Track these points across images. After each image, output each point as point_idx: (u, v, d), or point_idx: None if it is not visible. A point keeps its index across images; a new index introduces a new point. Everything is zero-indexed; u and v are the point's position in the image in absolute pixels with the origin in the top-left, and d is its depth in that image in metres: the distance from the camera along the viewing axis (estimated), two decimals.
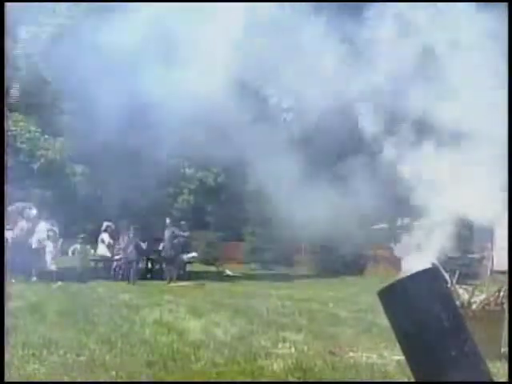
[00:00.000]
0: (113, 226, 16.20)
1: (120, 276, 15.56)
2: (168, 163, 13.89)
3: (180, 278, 15.43)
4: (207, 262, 18.95)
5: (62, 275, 14.18)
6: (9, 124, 14.96)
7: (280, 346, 6.87)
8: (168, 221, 15.68)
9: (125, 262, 15.68)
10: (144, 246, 15.91)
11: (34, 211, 14.80)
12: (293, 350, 6.66)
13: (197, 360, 5.99)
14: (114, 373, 5.46)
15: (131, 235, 15.56)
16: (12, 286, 12.13)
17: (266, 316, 9.31)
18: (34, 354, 5.96)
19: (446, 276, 5.50)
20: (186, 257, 16.58)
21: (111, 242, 16.15)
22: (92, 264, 16.09)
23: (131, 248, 15.51)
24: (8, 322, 7.75)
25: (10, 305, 9.54)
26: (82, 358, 5.98)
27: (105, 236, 16.15)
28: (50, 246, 14.76)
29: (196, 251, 17.60)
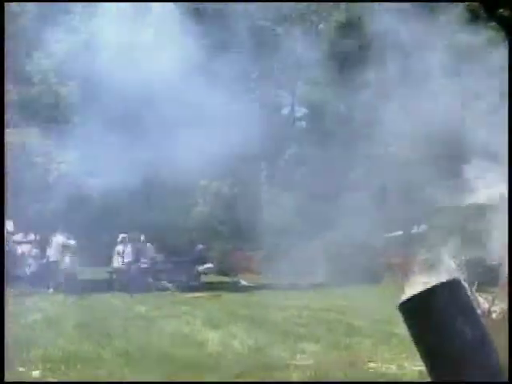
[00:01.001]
0: (128, 238, 16.20)
1: (135, 288, 15.56)
2: (183, 174, 13.91)
3: (195, 289, 15.41)
4: (222, 273, 18.89)
5: (79, 287, 14.21)
6: (24, 137, 15.10)
7: (298, 357, 6.83)
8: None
9: (140, 273, 15.70)
10: (159, 257, 15.94)
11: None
12: (311, 361, 6.62)
13: (215, 371, 5.97)
14: None
15: (146, 247, 15.57)
16: (29, 299, 12.23)
17: (282, 326, 9.25)
18: (51, 369, 5.97)
19: (466, 286, 5.44)
20: (201, 268, 16.57)
21: (126, 253, 16.16)
22: (107, 276, 16.10)
23: (146, 259, 15.53)
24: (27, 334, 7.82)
25: (27, 317, 9.64)
26: (100, 372, 5.97)
27: (120, 248, 16.16)
28: (66, 259, 14.82)
29: (211, 262, 17.57)
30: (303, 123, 17.62)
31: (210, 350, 7.30)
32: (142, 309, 11.91)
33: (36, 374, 5.68)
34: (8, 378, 5.39)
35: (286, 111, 19.12)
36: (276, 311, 11.27)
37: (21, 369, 5.89)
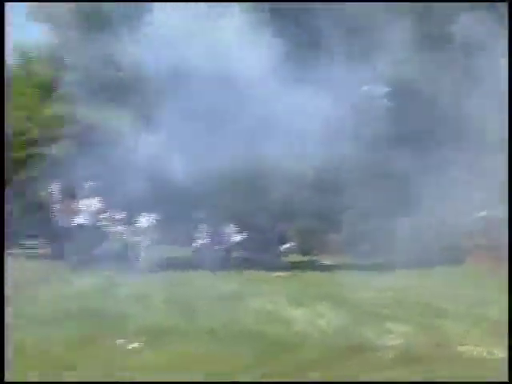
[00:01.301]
0: (211, 217, 16.48)
1: (218, 266, 15.85)
2: (265, 156, 14.04)
3: (277, 268, 15.54)
4: (304, 252, 18.93)
5: (165, 265, 14.61)
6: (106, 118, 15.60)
7: (385, 337, 6.82)
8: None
9: (222, 252, 15.98)
10: (241, 236, 16.14)
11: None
12: (399, 341, 6.60)
13: (304, 349, 6.05)
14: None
15: (228, 226, 15.81)
16: (117, 275, 12.70)
17: (366, 307, 9.23)
18: (146, 342, 6.18)
19: None
20: (282, 247, 16.69)
21: (209, 232, 16.46)
22: (191, 254, 16.45)
23: (229, 238, 15.77)
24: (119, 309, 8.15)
25: (117, 293, 10.03)
26: (189, 347, 6.12)
27: (203, 227, 16.45)
28: (152, 237, 15.26)
29: (292, 241, 17.64)
30: (387, 102, 17.32)
31: (296, 328, 7.38)
32: (225, 287, 12.14)
33: (135, 346, 5.91)
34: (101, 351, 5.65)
35: (369, 90, 18.84)
36: (359, 291, 11.22)
37: (119, 341, 6.14)
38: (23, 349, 5.67)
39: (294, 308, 8.98)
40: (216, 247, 16.31)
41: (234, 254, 16.33)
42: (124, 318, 7.52)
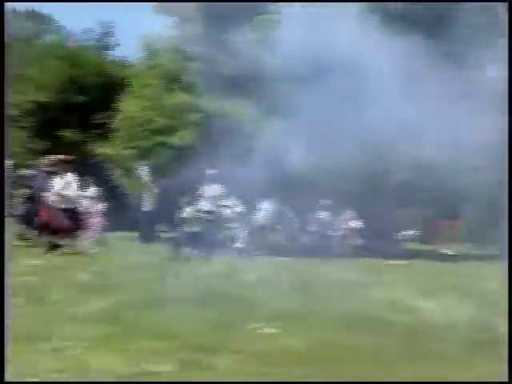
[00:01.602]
0: (329, 204, 16.62)
1: (336, 253, 15.97)
2: (384, 142, 13.94)
3: (396, 256, 15.43)
4: (423, 241, 18.70)
5: (285, 252, 14.89)
6: (228, 108, 16.01)
7: None
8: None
9: (341, 239, 16.09)
10: (359, 223, 16.19)
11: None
12: None
13: (437, 341, 6.03)
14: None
15: (346, 213, 15.89)
16: (241, 261, 13.09)
17: (493, 297, 8.99)
18: (282, 327, 6.30)
19: None
20: (401, 235, 16.58)
21: (327, 220, 16.62)
22: (309, 241, 16.67)
23: (347, 225, 15.86)
24: (246, 294, 8.41)
25: (244, 278, 10.33)
26: (321, 335, 6.23)
27: (322, 214, 16.64)
28: (272, 225, 15.63)
29: (412, 229, 17.48)
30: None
31: (424, 318, 7.34)
32: (345, 274, 12.18)
33: (271, 331, 6.11)
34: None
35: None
36: (483, 281, 10.93)
37: (253, 325, 6.38)
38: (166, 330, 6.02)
39: (420, 298, 8.89)
40: (334, 234, 16.44)
41: (352, 241, 16.38)
42: (253, 302, 7.77)
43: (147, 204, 17.15)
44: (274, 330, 6.12)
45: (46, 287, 8.25)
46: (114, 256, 12.76)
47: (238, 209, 15.49)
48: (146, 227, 17.16)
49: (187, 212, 14.41)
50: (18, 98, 24.04)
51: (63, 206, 13.19)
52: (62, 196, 13.28)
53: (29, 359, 4.93)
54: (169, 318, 6.51)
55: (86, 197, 15.30)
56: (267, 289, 9.22)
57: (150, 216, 17.17)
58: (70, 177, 13.55)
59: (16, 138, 23.72)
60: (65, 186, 13.33)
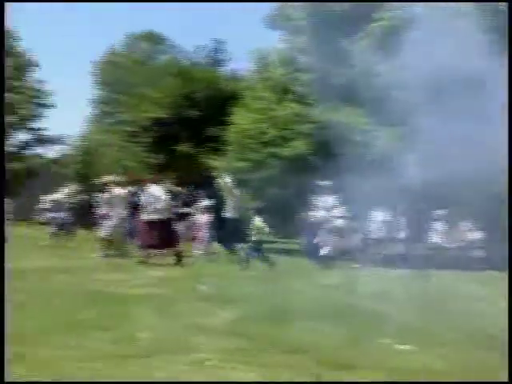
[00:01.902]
0: (446, 215, 16.11)
1: (459, 265, 15.41)
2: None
3: None
4: None
5: (401, 263, 14.54)
6: (340, 117, 15.88)
7: None
8: None
9: (458, 251, 15.54)
10: (480, 234, 15.57)
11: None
12: None
13: None
14: None
15: (466, 224, 15.32)
16: (354, 272, 12.91)
17: None
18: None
19: None
20: None
21: (445, 231, 16.10)
22: (427, 252, 16.20)
23: (467, 236, 15.28)
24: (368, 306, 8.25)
25: (360, 290, 10.16)
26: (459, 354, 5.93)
27: (438, 225, 16.15)
28: (386, 235, 15.33)
29: None
30: None
31: None
32: (467, 287, 11.70)
33: (406, 347, 5.92)
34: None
35: None
36: None
37: (386, 340, 6.21)
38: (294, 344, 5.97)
39: None
40: (452, 246, 15.91)
41: (472, 253, 15.77)
42: (380, 316, 7.61)
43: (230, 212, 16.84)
44: (408, 347, 5.93)
45: (170, 299, 8.43)
46: (232, 267, 12.98)
47: (354, 219, 15.32)
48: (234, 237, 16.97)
49: (304, 222, 14.42)
50: (136, 115, 25.04)
51: (158, 219, 13.21)
52: (158, 210, 13.29)
53: (171, 371, 4.99)
54: (298, 331, 6.47)
55: (196, 209, 15.62)
56: (390, 302, 9.01)
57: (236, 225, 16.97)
58: (159, 190, 13.54)
59: (133, 153, 24.70)
60: (156, 199, 13.36)
